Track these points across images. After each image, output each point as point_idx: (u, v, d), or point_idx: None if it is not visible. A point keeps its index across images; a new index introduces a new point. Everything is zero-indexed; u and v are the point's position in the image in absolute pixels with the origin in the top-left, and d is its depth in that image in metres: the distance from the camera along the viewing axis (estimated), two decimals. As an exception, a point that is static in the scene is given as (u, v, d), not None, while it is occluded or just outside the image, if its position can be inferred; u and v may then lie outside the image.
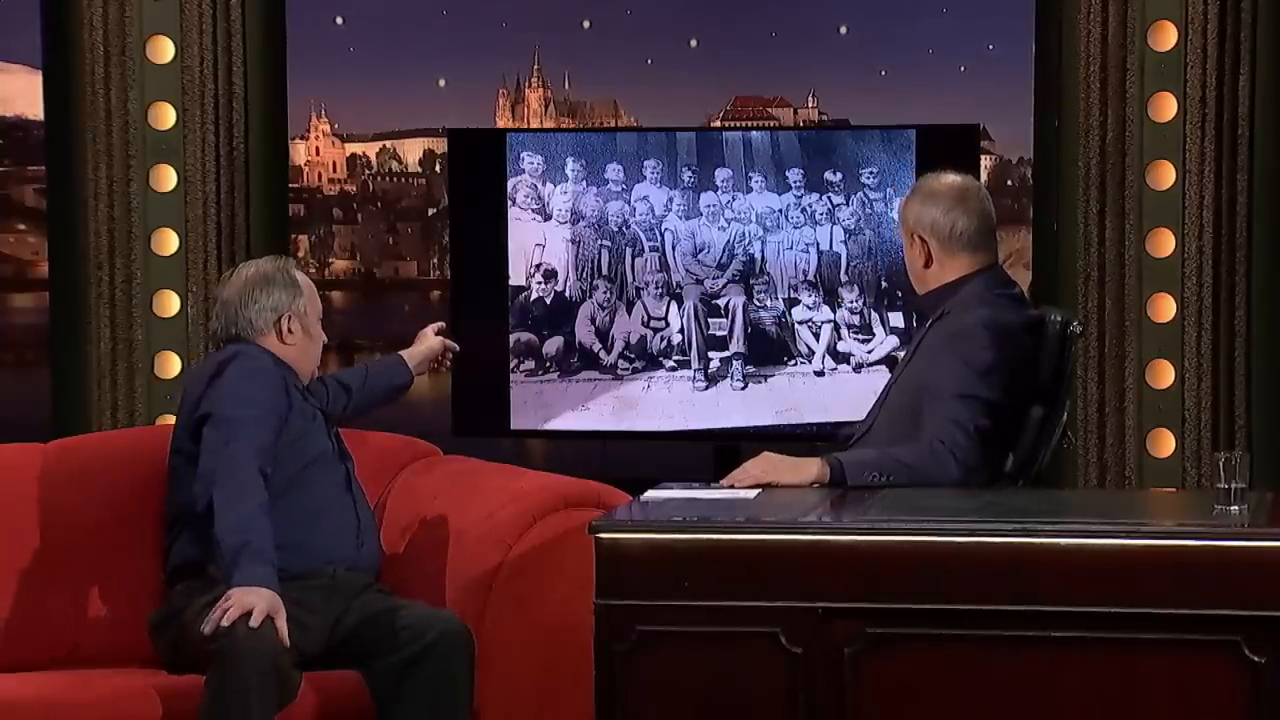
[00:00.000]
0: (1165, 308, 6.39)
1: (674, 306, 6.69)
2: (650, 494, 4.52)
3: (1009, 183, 8.81)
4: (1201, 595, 3.94)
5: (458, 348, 5.30)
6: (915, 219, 4.86)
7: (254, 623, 4.39)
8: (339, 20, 8.65)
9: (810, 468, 4.60)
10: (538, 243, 6.74)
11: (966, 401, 4.66)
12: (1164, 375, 6.40)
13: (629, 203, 6.71)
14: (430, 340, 5.26)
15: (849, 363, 6.56)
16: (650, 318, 6.71)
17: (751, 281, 6.64)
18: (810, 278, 6.58)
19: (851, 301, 6.55)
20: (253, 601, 4.41)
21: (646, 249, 6.71)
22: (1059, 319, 4.88)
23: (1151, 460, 6.41)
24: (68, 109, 6.59)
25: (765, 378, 6.61)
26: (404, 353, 5.24)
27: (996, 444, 4.76)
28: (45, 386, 6.74)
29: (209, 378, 4.81)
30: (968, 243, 4.84)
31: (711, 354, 6.66)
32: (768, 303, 6.64)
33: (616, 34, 8.64)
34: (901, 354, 5.99)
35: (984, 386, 4.68)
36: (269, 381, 4.80)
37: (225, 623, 4.39)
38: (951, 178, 4.95)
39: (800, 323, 6.60)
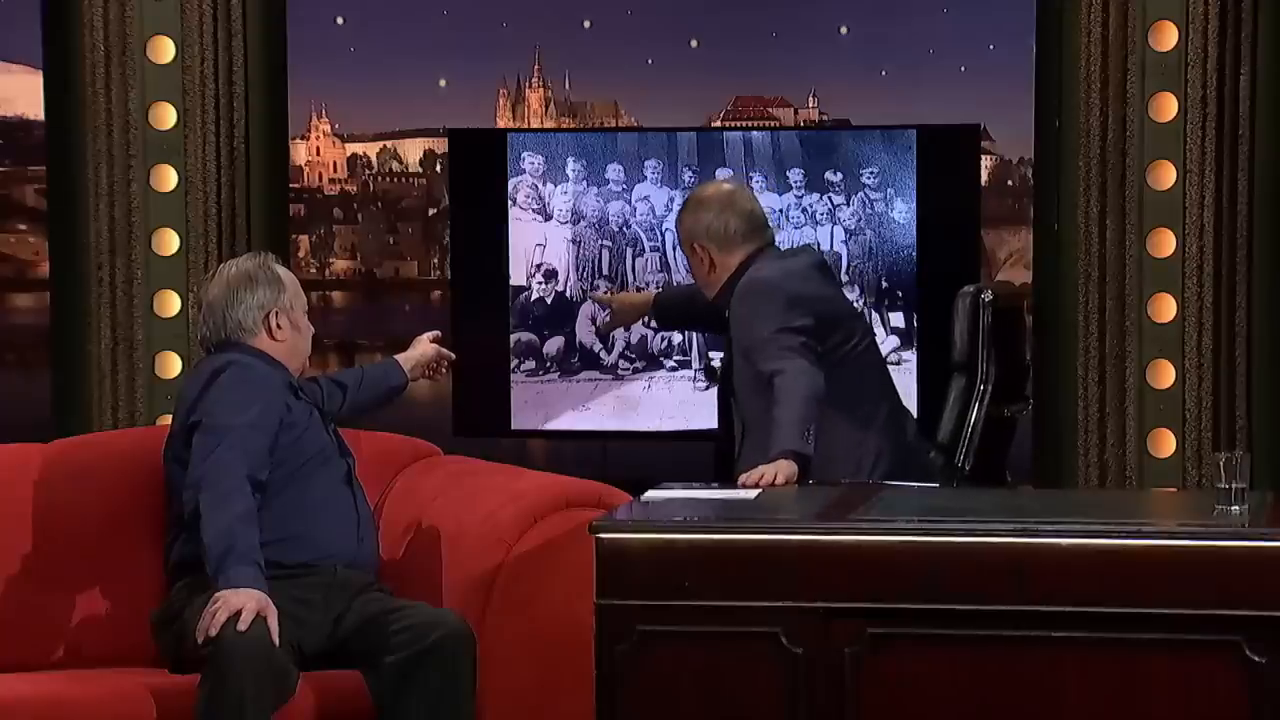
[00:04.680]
0: (1165, 308, 6.39)
1: (674, 306, 6.69)
2: (650, 494, 4.52)
3: (1009, 183, 8.81)
4: (1201, 595, 3.94)
5: (453, 357, 5.27)
6: (690, 229, 5.15)
7: (243, 624, 4.38)
8: (339, 20, 8.66)
9: (791, 470, 4.69)
10: (538, 243, 6.75)
11: (779, 334, 4.90)
12: (1164, 375, 6.40)
13: (630, 203, 6.71)
14: (425, 346, 5.23)
15: (849, 363, 6.56)
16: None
17: (752, 281, 6.64)
18: (811, 278, 6.57)
19: (852, 301, 6.55)
20: (241, 602, 4.41)
21: (647, 249, 6.72)
22: (971, 290, 5.29)
23: (1151, 460, 6.40)
24: (68, 109, 6.59)
25: (766, 378, 6.62)
26: (399, 356, 5.23)
27: (869, 375, 5.07)
28: (46, 386, 6.74)
29: (203, 385, 4.79)
30: (741, 239, 5.11)
31: (712, 354, 6.66)
32: (768, 303, 6.64)
33: (616, 34, 8.64)
34: (902, 353, 6.23)
35: (789, 318, 4.93)
36: (264, 388, 4.79)
37: (214, 629, 4.38)
38: (717, 185, 5.31)
39: (801, 323, 6.60)
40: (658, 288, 6.66)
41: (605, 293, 6.47)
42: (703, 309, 5.30)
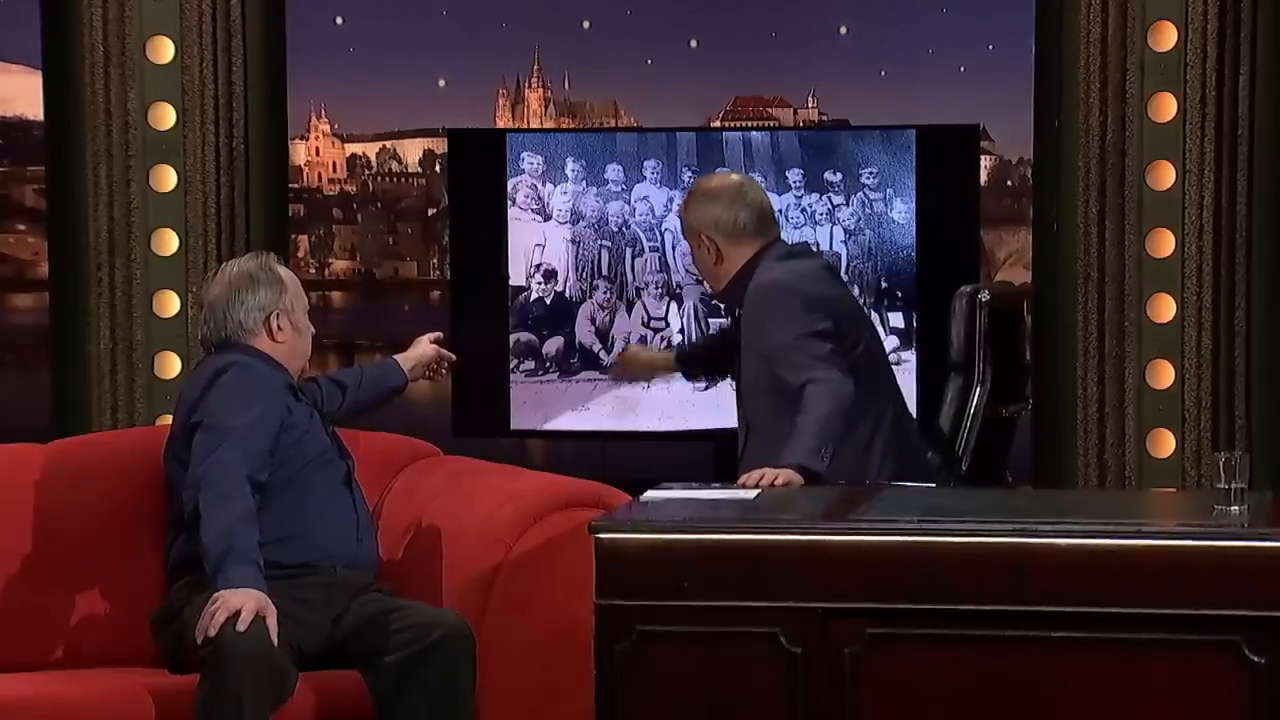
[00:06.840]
0: (1165, 308, 6.39)
1: (674, 306, 6.70)
2: (650, 494, 4.52)
3: (1009, 183, 8.82)
4: (1201, 596, 3.94)
5: (453, 358, 5.27)
6: (699, 220, 5.10)
7: (242, 624, 4.38)
8: (339, 20, 8.67)
9: (796, 481, 4.70)
10: (538, 243, 6.75)
11: (804, 340, 4.90)
12: (1164, 375, 6.40)
13: (629, 203, 6.71)
14: (425, 347, 5.23)
15: (849, 363, 6.56)
16: (650, 318, 6.72)
17: (751, 281, 6.64)
18: (810, 278, 6.57)
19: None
20: (240, 601, 4.41)
21: (646, 249, 6.72)
22: (968, 290, 5.34)
23: (1151, 460, 6.40)
24: (68, 109, 6.59)
25: (765, 378, 6.61)
26: (398, 356, 5.23)
27: (876, 377, 5.07)
28: (45, 386, 6.74)
29: (204, 385, 4.79)
30: (750, 232, 5.07)
31: (712, 354, 6.66)
32: (768, 303, 6.63)
33: (616, 34, 8.65)
34: (901, 353, 6.24)
35: (810, 322, 4.92)
36: (265, 389, 4.79)
37: (213, 630, 4.38)
38: (724, 177, 5.27)
39: (800, 323, 6.59)
40: (657, 288, 6.68)
41: (623, 349, 6.32)
42: (722, 356, 5.29)
